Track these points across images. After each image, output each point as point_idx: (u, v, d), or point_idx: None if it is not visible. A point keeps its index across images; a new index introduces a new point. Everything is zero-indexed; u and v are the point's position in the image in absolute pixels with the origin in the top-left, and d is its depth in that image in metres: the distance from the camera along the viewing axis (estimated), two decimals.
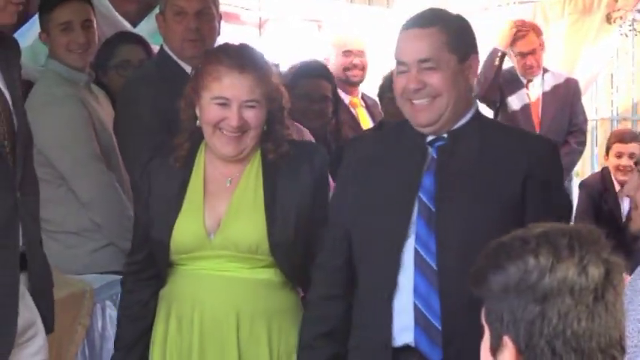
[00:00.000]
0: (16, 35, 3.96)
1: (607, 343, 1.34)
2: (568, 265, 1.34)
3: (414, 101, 2.44)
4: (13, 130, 2.78)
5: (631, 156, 5.40)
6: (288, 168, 2.68)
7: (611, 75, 7.38)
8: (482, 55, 4.62)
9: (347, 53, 5.44)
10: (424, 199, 2.46)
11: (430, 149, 2.49)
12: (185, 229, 2.61)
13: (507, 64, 5.82)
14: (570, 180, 6.48)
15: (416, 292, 2.41)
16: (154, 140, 3.24)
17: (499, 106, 5.94)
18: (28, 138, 2.90)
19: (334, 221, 2.62)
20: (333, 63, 5.36)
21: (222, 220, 2.61)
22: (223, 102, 2.54)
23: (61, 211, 3.54)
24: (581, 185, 6.25)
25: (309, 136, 4.23)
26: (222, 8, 4.87)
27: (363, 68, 5.31)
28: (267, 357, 2.59)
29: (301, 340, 2.61)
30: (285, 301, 2.69)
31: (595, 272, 1.33)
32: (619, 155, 5.67)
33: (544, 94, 5.84)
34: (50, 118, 3.79)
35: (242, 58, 2.60)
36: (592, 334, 1.33)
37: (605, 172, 5.94)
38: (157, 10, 4.11)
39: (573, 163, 6.28)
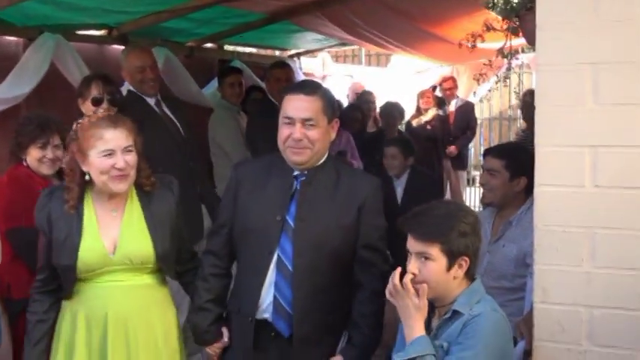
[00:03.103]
0: (206, 87, 7.17)
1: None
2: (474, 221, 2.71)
3: (295, 148, 3.06)
4: (184, 141, 4.85)
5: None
6: (158, 196, 3.31)
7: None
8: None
9: (357, 94, 9.66)
10: (287, 218, 3.09)
11: (295, 182, 3.13)
12: (90, 253, 3.16)
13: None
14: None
15: (276, 286, 3.09)
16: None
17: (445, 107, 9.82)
18: (195, 144, 4.73)
19: (223, 222, 3.29)
20: (351, 98, 9.75)
21: (118, 242, 3.19)
22: (109, 152, 3.10)
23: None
24: None
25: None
26: (304, 70, 9.51)
27: None
28: (155, 335, 3.28)
29: (194, 305, 3.33)
30: (164, 294, 3.40)
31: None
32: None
33: (456, 108, 10.09)
34: (221, 128, 6.29)
35: (113, 117, 3.18)
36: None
37: None
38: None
39: (466, 146, 10.41)
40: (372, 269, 3.16)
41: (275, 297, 3.07)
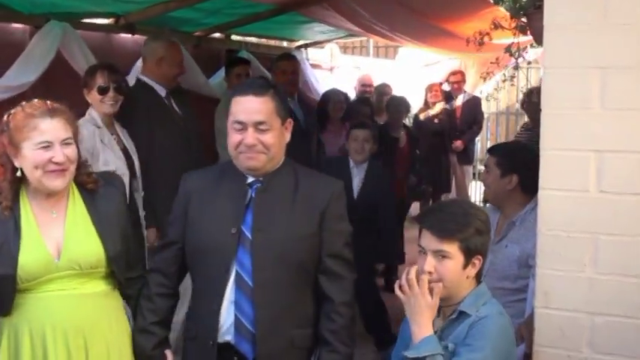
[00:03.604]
0: (212, 77, 6.98)
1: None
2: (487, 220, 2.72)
3: (248, 153, 2.83)
4: (190, 132, 4.99)
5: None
6: (103, 195, 2.99)
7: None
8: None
9: (364, 86, 9.30)
10: (244, 230, 2.85)
11: (250, 190, 2.90)
12: (31, 259, 2.78)
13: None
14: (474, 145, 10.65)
15: (236, 305, 2.83)
16: None
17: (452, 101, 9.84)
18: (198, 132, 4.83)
19: (173, 238, 3.05)
20: (358, 90, 9.25)
21: (63, 245, 2.84)
22: (46, 145, 2.77)
23: None
24: None
25: None
26: (311, 61, 9.39)
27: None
28: (108, 350, 2.92)
29: (138, 325, 3.04)
30: (116, 302, 3.05)
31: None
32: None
33: (463, 102, 10.01)
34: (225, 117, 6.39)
35: (49, 106, 2.84)
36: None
37: None
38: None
39: (472, 140, 10.31)
40: (339, 280, 2.96)
41: (236, 317, 2.85)
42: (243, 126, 2.82)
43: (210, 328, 2.89)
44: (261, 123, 2.82)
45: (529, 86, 9.10)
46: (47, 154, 2.80)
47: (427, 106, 9.75)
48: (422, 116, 9.66)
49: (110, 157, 4.56)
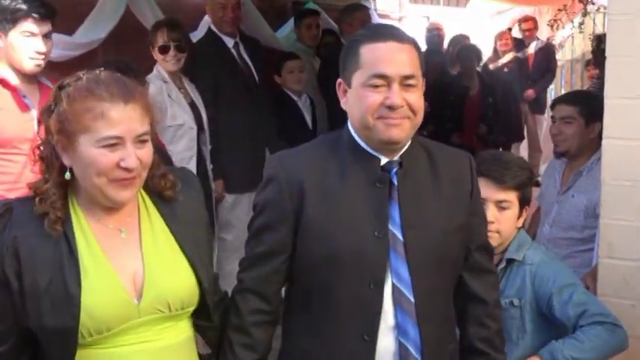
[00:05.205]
0: (279, 31, 7.05)
1: None
2: None
3: (392, 118, 2.13)
4: (256, 88, 4.95)
5: None
6: (184, 201, 2.14)
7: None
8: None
9: (432, 30, 9.25)
10: (392, 229, 2.17)
11: (388, 175, 2.19)
12: (103, 303, 1.92)
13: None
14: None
15: (399, 328, 2.15)
16: None
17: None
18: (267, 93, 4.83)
19: (274, 247, 2.21)
20: (425, 37, 9.01)
21: (145, 279, 1.99)
22: (114, 142, 1.92)
23: None
24: None
25: None
26: (379, 11, 9.48)
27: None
28: None
29: None
30: (194, 350, 2.19)
31: None
32: None
33: (536, 50, 9.68)
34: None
35: (123, 84, 1.98)
36: None
37: None
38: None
39: (545, 89, 10.16)
40: (488, 276, 2.42)
41: (400, 344, 2.16)
42: (386, 81, 2.13)
43: None
44: (409, 77, 2.15)
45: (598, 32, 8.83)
46: (114, 156, 1.94)
47: (497, 55, 9.60)
48: (491, 66, 9.52)
49: (178, 111, 4.62)
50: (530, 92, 9.66)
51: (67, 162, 1.98)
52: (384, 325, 2.16)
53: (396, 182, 2.19)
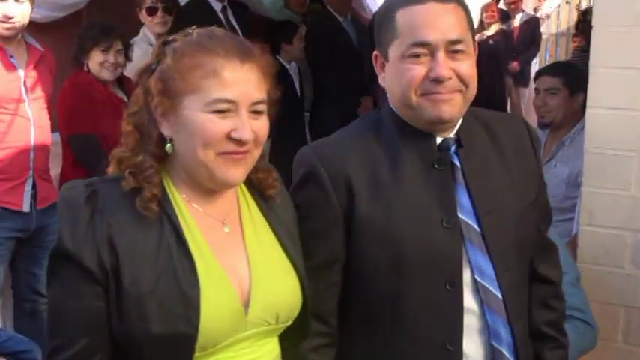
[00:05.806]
0: None
1: None
2: None
3: (441, 93, 1.80)
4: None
5: None
6: (281, 202, 1.80)
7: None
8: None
9: None
10: (462, 217, 1.85)
11: (447, 156, 1.87)
12: (218, 312, 1.56)
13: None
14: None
15: (490, 331, 1.84)
16: None
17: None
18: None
19: (329, 256, 1.87)
20: None
21: (252, 285, 1.64)
22: (226, 108, 1.58)
23: None
24: None
25: None
26: None
27: None
28: None
29: None
30: None
31: None
32: None
33: (521, 23, 9.78)
34: None
35: (240, 42, 1.67)
36: None
37: None
38: None
39: (529, 62, 10.12)
40: (553, 253, 2.13)
41: (493, 349, 1.86)
42: (428, 50, 1.79)
43: None
44: (455, 42, 1.80)
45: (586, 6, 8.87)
46: (225, 125, 1.59)
47: (482, 27, 9.57)
48: (477, 37, 9.50)
49: None
50: (514, 65, 9.68)
51: (166, 131, 1.62)
52: (469, 330, 1.85)
53: (458, 163, 1.87)
